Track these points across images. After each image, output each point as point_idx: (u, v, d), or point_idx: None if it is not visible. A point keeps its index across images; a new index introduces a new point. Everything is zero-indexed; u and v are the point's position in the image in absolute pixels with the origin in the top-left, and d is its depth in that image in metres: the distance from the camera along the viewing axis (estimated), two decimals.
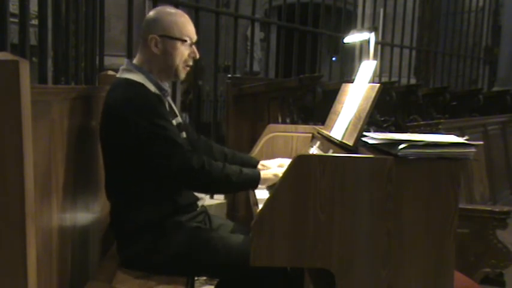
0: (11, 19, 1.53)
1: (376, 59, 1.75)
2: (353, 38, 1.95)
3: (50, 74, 1.77)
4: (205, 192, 1.91)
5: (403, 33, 5.19)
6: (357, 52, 5.53)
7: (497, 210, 2.34)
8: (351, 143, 1.53)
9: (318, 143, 1.97)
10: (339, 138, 1.66)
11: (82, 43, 2.08)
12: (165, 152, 1.53)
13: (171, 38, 1.64)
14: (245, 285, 1.63)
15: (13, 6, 1.63)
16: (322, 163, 1.31)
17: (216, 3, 3.40)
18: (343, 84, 1.94)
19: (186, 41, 1.67)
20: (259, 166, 1.93)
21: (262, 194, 1.78)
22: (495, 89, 6.42)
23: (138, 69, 1.66)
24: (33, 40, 1.71)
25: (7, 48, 1.50)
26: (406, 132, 1.86)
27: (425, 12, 7.13)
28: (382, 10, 5.14)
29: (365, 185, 1.33)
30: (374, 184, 1.33)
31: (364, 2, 4.78)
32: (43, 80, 1.68)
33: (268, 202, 1.33)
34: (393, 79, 4.78)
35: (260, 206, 1.38)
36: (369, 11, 5.04)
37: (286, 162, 1.90)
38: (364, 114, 1.53)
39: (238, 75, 3.48)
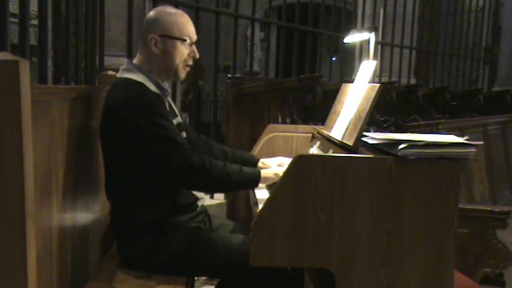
0: (11, 19, 1.53)
1: (376, 59, 1.75)
2: (353, 38, 1.95)
3: (50, 74, 1.77)
4: (206, 191, 1.91)
5: (403, 33, 5.19)
6: (357, 52, 5.53)
7: (497, 210, 2.34)
8: (351, 143, 1.53)
9: (318, 143, 1.97)
10: (339, 138, 1.66)
11: (82, 43, 2.08)
12: (165, 151, 1.53)
13: (170, 38, 1.65)
14: (245, 285, 1.63)
15: (13, 6, 1.63)
16: (322, 163, 1.31)
17: (216, 3, 3.40)
18: (343, 84, 1.94)
19: (185, 40, 1.67)
20: (259, 164, 1.93)
21: (262, 194, 1.78)
22: (495, 89, 6.42)
23: (138, 69, 1.66)
24: (33, 40, 1.71)
25: (7, 48, 1.50)
26: (406, 132, 1.86)
27: (425, 12, 7.13)
28: (382, 10, 5.14)
29: (365, 185, 1.33)
30: (374, 184, 1.33)
31: (364, 2, 4.78)
32: (43, 80, 1.68)
33: (268, 202, 1.33)
34: (393, 79, 4.78)
35: (260, 206, 1.38)
36: (369, 11, 5.04)
37: (286, 160, 1.90)
38: (364, 114, 1.53)
39: (238, 75, 3.48)
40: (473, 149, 1.34)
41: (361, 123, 1.52)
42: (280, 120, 2.92)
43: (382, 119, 3.46)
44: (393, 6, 5.11)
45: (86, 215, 1.77)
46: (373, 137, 1.48)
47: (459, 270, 1.70)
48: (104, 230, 1.94)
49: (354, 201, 1.33)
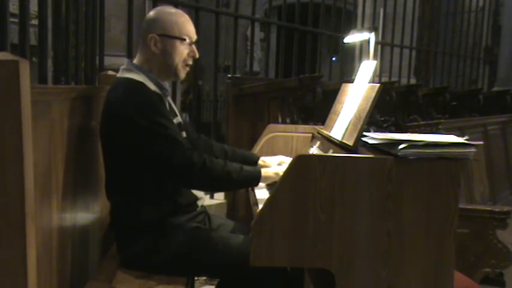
0: (11, 19, 1.53)
1: (376, 59, 1.75)
2: (353, 38, 1.95)
3: (50, 74, 1.76)
4: (206, 190, 1.91)
5: (403, 33, 5.19)
6: (357, 52, 5.52)
7: (497, 210, 2.34)
8: (351, 143, 1.53)
9: (318, 143, 1.97)
10: (339, 138, 1.66)
11: (82, 43, 2.07)
12: (166, 150, 1.53)
13: (170, 37, 1.65)
14: (245, 285, 1.63)
15: (13, 6, 1.63)
16: (322, 163, 1.31)
17: (216, 3, 3.40)
18: (343, 84, 1.94)
19: (185, 40, 1.67)
20: (259, 162, 1.93)
21: (262, 194, 1.78)
22: (495, 89, 6.42)
23: (139, 68, 1.66)
24: (33, 40, 1.71)
25: (7, 48, 1.50)
26: (406, 132, 1.86)
27: (425, 12, 7.13)
28: (382, 10, 5.14)
29: (365, 185, 1.33)
30: (374, 184, 1.33)
31: (364, 2, 4.78)
32: (43, 80, 1.67)
33: (268, 202, 1.33)
34: (393, 79, 4.78)
35: (260, 206, 1.38)
36: (369, 11, 5.03)
37: (286, 159, 1.90)
38: (364, 114, 1.53)
39: (238, 75, 3.47)
40: (473, 149, 1.34)
41: (361, 123, 1.52)
42: (280, 120, 2.92)
43: (382, 119, 3.46)
44: (393, 6, 5.11)
45: (86, 215, 1.77)
46: (373, 137, 1.48)
47: (459, 270, 1.70)
48: (104, 230, 1.94)
49: (354, 201, 1.33)
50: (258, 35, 8.60)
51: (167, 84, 1.74)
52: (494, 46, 7.38)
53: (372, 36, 1.75)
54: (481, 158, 3.46)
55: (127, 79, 1.63)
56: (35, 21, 1.80)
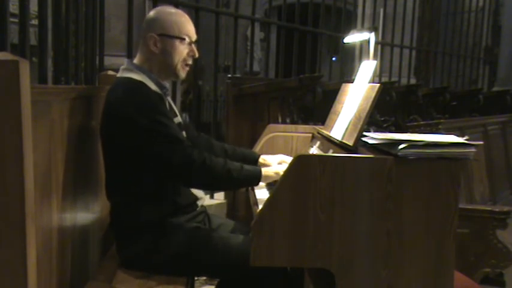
0: (11, 19, 1.53)
1: (376, 59, 1.75)
2: (353, 38, 1.95)
3: (50, 74, 1.76)
4: (206, 188, 1.90)
5: (403, 33, 5.19)
6: (357, 52, 5.53)
7: (497, 210, 2.34)
8: (351, 143, 1.53)
9: (318, 143, 1.97)
10: (339, 138, 1.66)
11: (82, 43, 2.07)
12: (166, 148, 1.53)
13: (169, 37, 1.65)
14: (245, 285, 1.63)
15: (13, 6, 1.63)
16: (322, 163, 1.31)
17: (216, 3, 3.40)
18: (343, 84, 1.94)
19: (184, 39, 1.67)
20: (260, 160, 1.93)
21: (262, 194, 1.78)
22: (495, 89, 6.42)
23: (139, 68, 1.67)
24: (33, 40, 1.71)
25: (7, 48, 1.50)
26: (406, 132, 1.86)
27: (425, 12, 7.13)
28: (382, 10, 5.14)
29: (365, 185, 1.33)
30: (374, 184, 1.33)
31: (364, 2, 4.78)
32: (43, 80, 1.67)
33: (268, 202, 1.33)
34: (393, 79, 4.78)
35: (260, 206, 1.38)
36: (369, 11, 5.03)
37: (287, 158, 1.90)
38: (364, 114, 1.53)
39: (238, 75, 3.47)
40: (473, 149, 1.34)
41: (361, 123, 1.52)
42: (280, 120, 2.92)
43: (382, 119, 3.46)
44: (393, 6, 5.10)
45: (86, 215, 1.77)
46: (373, 137, 1.48)
47: (459, 270, 1.70)
48: (104, 230, 1.94)
49: (354, 201, 1.33)
50: (258, 35, 8.61)
51: (167, 84, 1.74)
52: (494, 46, 7.38)
53: (372, 36, 1.75)
54: (481, 158, 3.46)
55: (127, 79, 1.63)
56: (35, 21, 1.80)
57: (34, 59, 1.77)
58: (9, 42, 1.52)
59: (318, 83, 3.00)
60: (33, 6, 1.65)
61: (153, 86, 1.64)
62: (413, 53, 5.63)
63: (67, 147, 1.51)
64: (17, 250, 0.97)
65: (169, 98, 1.76)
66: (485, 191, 3.44)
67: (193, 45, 1.71)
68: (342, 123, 1.72)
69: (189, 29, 1.69)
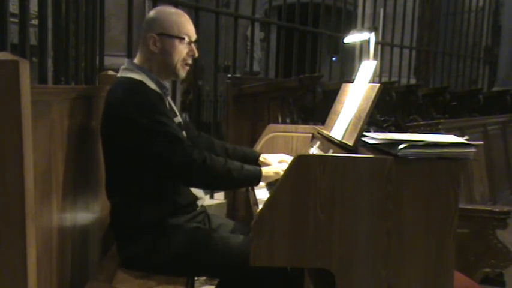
0: (11, 19, 1.53)
1: (376, 59, 1.75)
2: (353, 38, 1.95)
3: (50, 74, 1.76)
4: (206, 187, 1.90)
5: (403, 33, 5.19)
6: (357, 52, 5.53)
7: (497, 210, 2.34)
8: (351, 143, 1.53)
9: (318, 143, 1.97)
10: (339, 138, 1.66)
11: (82, 43, 2.07)
12: (166, 148, 1.53)
13: (169, 36, 1.65)
14: (245, 285, 1.63)
15: (13, 6, 1.63)
16: (322, 163, 1.31)
17: (216, 3, 3.40)
18: (343, 84, 1.94)
19: (184, 39, 1.67)
20: (260, 159, 1.93)
21: (262, 194, 1.78)
22: (495, 89, 6.41)
23: (139, 68, 1.67)
24: (33, 40, 1.71)
25: (7, 48, 1.50)
26: (406, 132, 1.86)
27: (425, 12, 7.13)
28: (382, 10, 5.14)
29: (365, 185, 1.33)
30: (374, 184, 1.33)
31: (364, 2, 4.78)
32: (43, 80, 1.67)
33: (268, 202, 1.33)
34: (393, 79, 4.78)
35: (260, 206, 1.38)
36: (369, 11, 5.03)
37: (287, 158, 1.90)
38: (364, 114, 1.53)
39: (238, 75, 3.47)
40: (473, 149, 1.34)
41: (361, 123, 1.52)
42: (280, 120, 2.92)
43: (382, 119, 3.46)
44: (393, 6, 5.11)
45: (86, 215, 1.77)
46: (373, 137, 1.48)
47: (459, 270, 1.70)
48: (104, 230, 1.94)
49: (354, 201, 1.33)
50: (258, 35, 8.61)
51: (167, 84, 1.74)
52: (494, 46, 7.38)
53: (372, 36, 1.75)
54: (481, 158, 3.46)
55: (127, 79, 1.63)
56: (35, 21, 1.80)
57: (34, 59, 1.77)
58: (9, 42, 1.52)
59: (318, 83, 3.00)
60: (33, 6, 1.65)
61: (153, 86, 1.64)
62: (413, 53, 5.63)
63: (67, 147, 1.51)
64: (17, 250, 0.97)
65: (169, 98, 1.76)
66: (485, 191, 3.44)
67: (193, 45, 1.71)
68: (342, 123, 1.72)
69: (189, 28, 1.69)
